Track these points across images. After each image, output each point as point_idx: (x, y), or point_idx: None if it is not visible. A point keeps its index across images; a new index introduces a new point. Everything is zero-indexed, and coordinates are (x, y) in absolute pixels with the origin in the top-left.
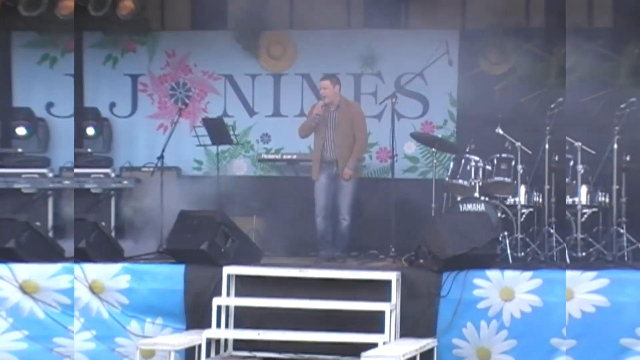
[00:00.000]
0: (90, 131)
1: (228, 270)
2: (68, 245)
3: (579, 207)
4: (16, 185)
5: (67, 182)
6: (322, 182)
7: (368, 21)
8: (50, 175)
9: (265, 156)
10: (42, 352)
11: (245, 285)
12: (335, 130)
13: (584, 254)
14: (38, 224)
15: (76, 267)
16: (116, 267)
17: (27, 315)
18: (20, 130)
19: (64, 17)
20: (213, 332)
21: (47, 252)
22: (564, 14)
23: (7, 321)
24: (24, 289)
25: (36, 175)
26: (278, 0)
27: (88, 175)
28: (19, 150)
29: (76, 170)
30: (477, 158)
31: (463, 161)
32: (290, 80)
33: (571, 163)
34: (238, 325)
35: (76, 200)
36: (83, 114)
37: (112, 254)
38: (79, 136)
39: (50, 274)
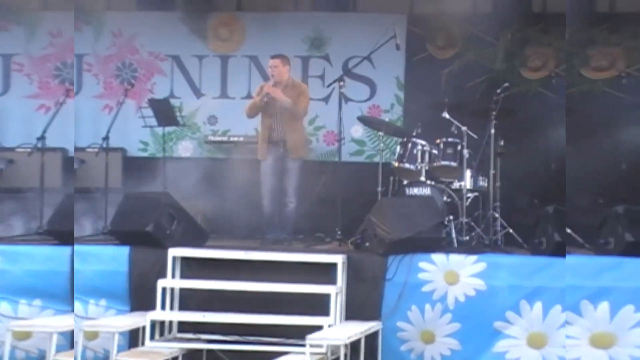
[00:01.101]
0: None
1: (173, 252)
2: None
3: (464, 191)
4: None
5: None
6: (268, 163)
7: (316, 4)
8: None
9: (211, 138)
10: None
11: (191, 267)
12: (282, 111)
13: (467, 237)
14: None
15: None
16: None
17: None
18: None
19: None
20: (157, 314)
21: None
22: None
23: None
24: None
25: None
26: None
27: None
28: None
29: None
30: (423, 142)
31: (409, 145)
32: (238, 62)
33: (458, 147)
34: (183, 307)
35: None
36: None
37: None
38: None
39: None
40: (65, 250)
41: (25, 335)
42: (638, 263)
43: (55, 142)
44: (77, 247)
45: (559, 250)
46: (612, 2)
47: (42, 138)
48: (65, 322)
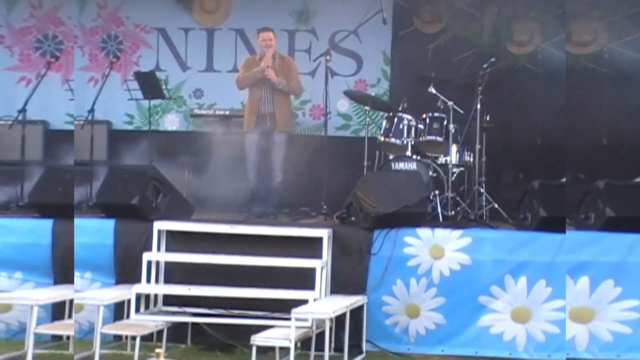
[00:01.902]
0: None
1: (159, 225)
2: None
3: (450, 166)
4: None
5: None
6: (254, 137)
7: None
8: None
9: (197, 111)
10: None
11: (176, 241)
12: (272, 84)
13: (453, 212)
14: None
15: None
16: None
17: None
18: None
19: None
20: (143, 287)
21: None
22: None
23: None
24: None
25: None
26: None
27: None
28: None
29: None
30: (409, 117)
31: (396, 120)
32: (224, 35)
33: (444, 122)
34: (168, 280)
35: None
36: None
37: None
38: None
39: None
40: (47, 222)
41: (6, 308)
42: (617, 237)
43: (36, 115)
44: (60, 220)
45: (544, 225)
46: None
47: (23, 110)
48: (46, 294)
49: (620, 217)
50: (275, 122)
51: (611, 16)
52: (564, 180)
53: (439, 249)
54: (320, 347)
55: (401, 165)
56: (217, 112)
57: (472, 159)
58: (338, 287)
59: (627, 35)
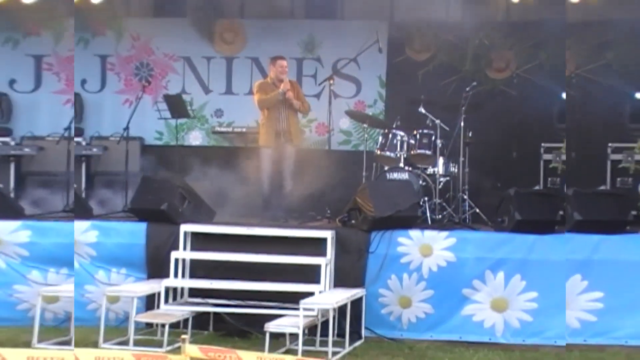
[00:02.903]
0: None
1: (185, 227)
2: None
3: (437, 176)
4: None
5: (94, 149)
6: (269, 151)
7: (309, 12)
8: (12, 143)
9: (218, 129)
10: (4, 297)
11: (200, 241)
12: (287, 105)
13: (440, 216)
14: (1, 185)
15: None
16: (85, 223)
17: None
18: None
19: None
20: (171, 282)
21: (8, 211)
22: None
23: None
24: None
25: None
26: None
27: None
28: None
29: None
30: (402, 133)
31: (390, 136)
32: (241, 62)
33: (432, 138)
34: (193, 275)
35: None
36: None
37: (85, 211)
38: None
39: (11, 229)
40: (142, 225)
41: (115, 299)
42: (523, 238)
43: (135, 132)
44: (100, 223)
45: (518, 227)
46: (508, 13)
47: (126, 128)
48: (142, 287)
49: (526, 220)
50: (290, 138)
51: (518, 46)
52: (536, 188)
53: (428, 248)
54: (324, 334)
55: (395, 175)
56: (235, 129)
57: (456, 170)
58: (340, 281)
59: (529, 63)
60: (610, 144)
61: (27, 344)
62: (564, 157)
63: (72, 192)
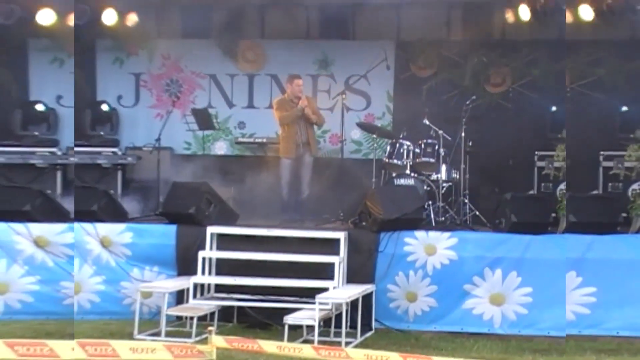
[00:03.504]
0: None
1: (211, 229)
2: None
3: (440, 182)
4: (31, 161)
5: (72, 158)
6: (289, 160)
7: (323, 33)
8: (59, 153)
9: (241, 139)
10: (51, 292)
11: (225, 241)
12: (305, 119)
13: (443, 218)
14: (49, 191)
15: (89, 226)
16: (121, 226)
17: (39, 263)
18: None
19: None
20: (199, 278)
21: (56, 214)
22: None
23: (23, 268)
24: (37, 243)
25: (47, 153)
26: (252, 14)
27: (99, 153)
28: (35, 133)
29: (85, 149)
30: (408, 143)
31: (397, 145)
32: (262, 79)
33: (436, 147)
34: (218, 273)
35: (89, 173)
36: (96, 105)
37: (119, 215)
38: (93, 122)
39: (58, 231)
40: (172, 227)
41: (148, 295)
42: (518, 238)
43: (165, 142)
44: (135, 225)
45: (514, 228)
46: (504, 33)
47: (158, 139)
48: (172, 284)
49: (521, 221)
50: (308, 148)
51: (513, 63)
52: (530, 192)
53: (432, 247)
54: (338, 325)
55: (402, 181)
56: (257, 140)
57: (457, 176)
58: (352, 277)
59: (524, 78)
60: (602, 152)
61: (130, 335)
62: (556, 164)
63: (160, 197)
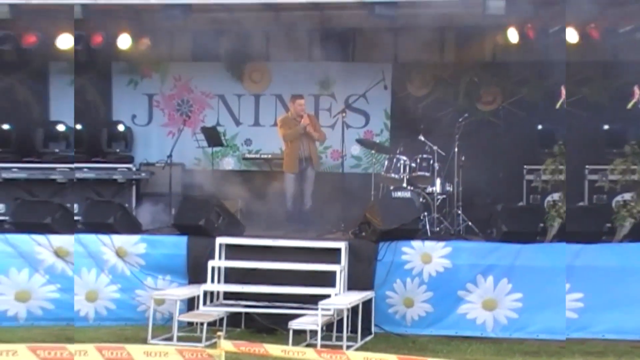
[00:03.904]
0: (120, 136)
1: (220, 240)
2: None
3: (435, 194)
4: (114, 176)
5: (143, 174)
6: (293, 175)
7: (325, 55)
8: (134, 169)
9: (247, 155)
10: (128, 300)
11: (232, 251)
12: (307, 136)
13: (438, 228)
14: (127, 205)
15: (105, 237)
16: (136, 237)
17: (119, 273)
18: (119, 137)
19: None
20: (209, 286)
21: (132, 226)
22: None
23: (108, 277)
24: (118, 253)
25: (125, 169)
26: (257, 39)
27: (115, 169)
28: (117, 150)
29: (102, 165)
30: (404, 157)
31: (394, 160)
32: (267, 99)
33: (431, 162)
34: (227, 281)
35: (106, 188)
36: (112, 124)
37: (133, 228)
38: (109, 139)
39: (133, 242)
40: (183, 238)
41: (161, 302)
42: (509, 247)
43: (177, 158)
44: (148, 236)
45: (505, 238)
46: (494, 55)
47: (170, 156)
48: (184, 291)
49: (511, 231)
50: (311, 163)
51: (503, 83)
52: (519, 204)
53: (427, 256)
54: (339, 330)
55: (399, 194)
56: (262, 156)
57: (451, 189)
58: (353, 284)
59: (513, 96)
60: (587, 166)
61: (144, 340)
62: (544, 177)
63: (172, 210)
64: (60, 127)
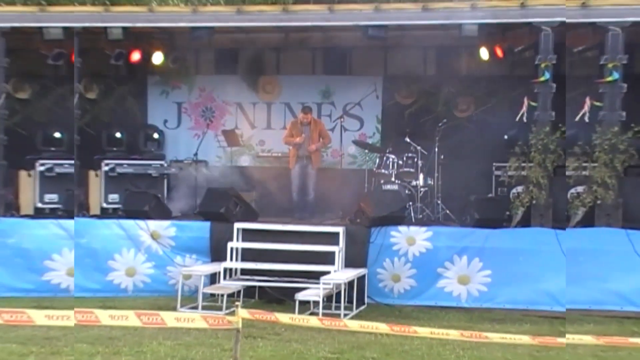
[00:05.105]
0: (154, 137)
1: (237, 225)
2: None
3: (419, 187)
4: (149, 171)
5: (173, 169)
6: (297, 170)
7: (326, 70)
8: (165, 165)
9: (261, 154)
10: (161, 275)
11: (248, 235)
12: (308, 137)
13: (421, 216)
14: (160, 195)
15: (141, 222)
16: (167, 222)
17: (153, 252)
18: (153, 138)
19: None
20: (228, 264)
21: (164, 213)
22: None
23: (144, 256)
24: (153, 236)
25: (158, 165)
26: (270, 55)
27: (149, 165)
28: (152, 149)
29: (139, 162)
30: (393, 156)
31: (385, 158)
32: (277, 106)
33: (415, 159)
34: (243, 259)
35: (142, 181)
36: (148, 127)
37: (165, 214)
38: (145, 140)
39: (165, 226)
40: (207, 224)
41: (188, 277)
42: (480, 231)
43: (202, 156)
44: (177, 222)
45: (477, 224)
46: (469, 69)
47: (196, 154)
48: (207, 268)
49: (482, 218)
50: (310, 162)
51: (476, 93)
52: (489, 195)
53: (412, 239)
54: (338, 301)
55: (388, 187)
56: (273, 155)
57: (432, 182)
58: (349, 263)
59: (484, 105)
60: (494, 164)
61: (174, 308)
62: (509, 172)
63: (197, 200)
64: (154, 130)
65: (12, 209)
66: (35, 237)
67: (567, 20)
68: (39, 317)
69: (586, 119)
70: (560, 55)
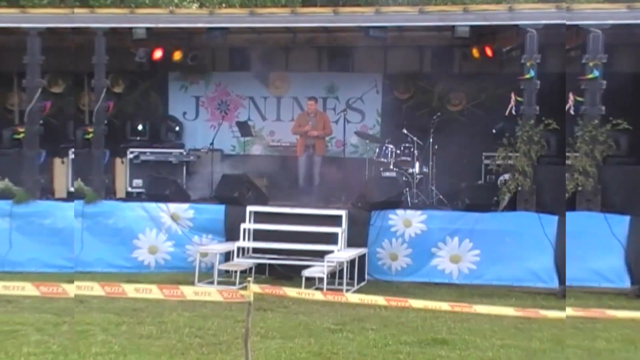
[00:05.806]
0: (174, 128)
1: (250, 208)
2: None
3: (415, 174)
4: (169, 159)
5: (191, 157)
6: (303, 158)
7: (331, 67)
8: (184, 153)
9: (271, 144)
10: (180, 253)
11: (259, 217)
12: (314, 127)
13: (416, 201)
14: (179, 180)
15: (163, 205)
16: (186, 205)
17: (173, 232)
18: (173, 129)
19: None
20: (241, 243)
21: (183, 196)
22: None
23: (165, 235)
24: (173, 217)
25: (178, 153)
26: (280, 54)
27: (170, 153)
28: (172, 139)
29: (161, 150)
30: (391, 146)
31: (384, 148)
32: (287, 100)
33: (411, 149)
34: (255, 239)
35: (163, 167)
36: (168, 119)
37: (184, 198)
38: (166, 131)
39: (184, 209)
40: (222, 207)
41: (205, 255)
42: (470, 215)
43: (217, 145)
44: (195, 205)
45: (468, 208)
46: (461, 67)
47: (212, 143)
48: (222, 247)
49: (472, 203)
50: (314, 149)
51: (467, 89)
52: (479, 182)
53: (408, 221)
54: (341, 277)
55: (387, 174)
56: (282, 144)
57: (427, 170)
58: (351, 243)
59: (475, 100)
60: (483, 153)
61: (192, 283)
62: (497, 161)
63: (213, 185)
64: (174, 121)
65: (110, 192)
66: (126, 218)
67: (550, 22)
68: (130, 290)
69: (513, 111)
70: (544, 55)
